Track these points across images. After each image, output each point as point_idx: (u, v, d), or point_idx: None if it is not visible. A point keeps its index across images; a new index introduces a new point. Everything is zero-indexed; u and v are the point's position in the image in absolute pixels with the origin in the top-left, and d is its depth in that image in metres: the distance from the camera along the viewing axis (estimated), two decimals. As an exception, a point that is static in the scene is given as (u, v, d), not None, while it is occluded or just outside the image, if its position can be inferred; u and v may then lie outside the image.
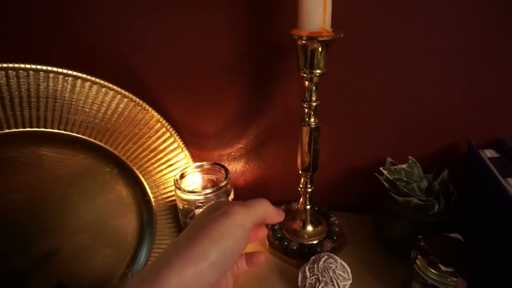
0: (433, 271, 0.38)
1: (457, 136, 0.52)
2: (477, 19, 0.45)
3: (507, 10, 0.44)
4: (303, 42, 0.39)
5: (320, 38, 0.38)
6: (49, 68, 0.43)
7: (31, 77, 0.42)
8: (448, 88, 0.50)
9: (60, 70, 0.44)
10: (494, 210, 0.45)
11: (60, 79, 0.45)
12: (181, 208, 0.50)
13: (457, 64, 0.48)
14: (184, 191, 0.49)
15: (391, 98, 0.52)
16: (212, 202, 0.38)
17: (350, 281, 0.45)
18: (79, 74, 0.46)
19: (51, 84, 0.44)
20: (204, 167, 0.54)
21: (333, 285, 0.43)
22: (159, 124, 0.53)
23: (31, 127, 0.44)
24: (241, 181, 0.64)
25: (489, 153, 0.48)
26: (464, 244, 0.41)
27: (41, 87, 0.43)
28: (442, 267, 0.37)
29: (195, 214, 0.50)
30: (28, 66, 0.42)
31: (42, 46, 0.54)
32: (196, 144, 0.61)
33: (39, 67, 0.42)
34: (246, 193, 0.64)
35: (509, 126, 0.50)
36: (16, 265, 0.44)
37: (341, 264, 0.45)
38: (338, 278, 0.44)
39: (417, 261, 0.40)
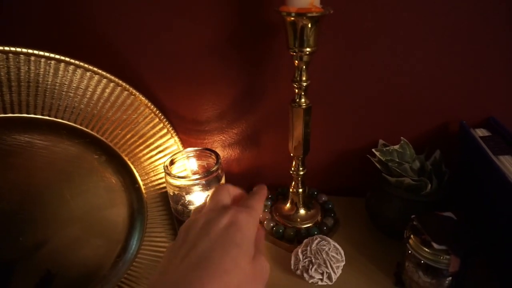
0: (426, 249, 0.38)
1: (448, 116, 0.52)
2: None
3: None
4: (292, 18, 0.38)
5: (309, 14, 0.37)
6: (30, 51, 0.41)
7: (11, 60, 0.41)
8: (439, 68, 0.49)
9: (41, 53, 0.42)
10: (487, 188, 0.45)
11: (42, 63, 0.43)
12: (172, 194, 0.50)
13: (449, 44, 0.47)
14: (174, 176, 0.48)
15: (383, 78, 0.51)
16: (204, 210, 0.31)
17: (343, 263, 0.44)
18: (62, 58, 0.44)
19: (32, 67, 0.42)
20: (195, 152, 0.53)
21: (326, 267, 0.43)
22: (147, 110, 0.52)
23: (13, 113, 0.42)
24: (233, 165, 0.63)
25: (480, 132, 0.48)
26: (457, 222, 0.41)
27: (22, 70, 0.42)
28: (435, 245, 0.37)
29: (186, 200, 0.49)
30: (7, 48, 0.40)
31: (20, 27, 0.52)
32: (186, 130, 0.60)
33: (18, 49, 0.41)
34: (238, 177, 0.63)
35: (500, 105, 0.50)
36: (2, 255, 0.42)
37: (334, 246, 0.45)
38: (331, 260, 0.43)
39: (410, 241, 0.40)
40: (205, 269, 0.24)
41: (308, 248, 0.45)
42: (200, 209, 0.32)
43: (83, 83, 0.46)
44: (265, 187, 0.35)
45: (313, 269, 0.43)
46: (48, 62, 0.43)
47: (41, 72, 0.43)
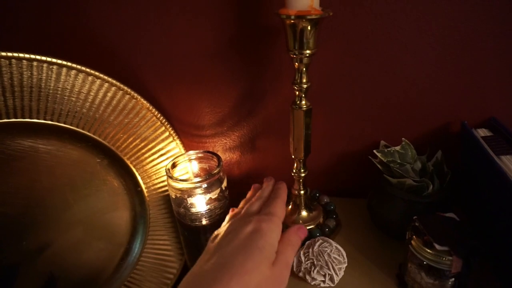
0: (428, 250, 0.38)
1: (450, 117, 0.52)
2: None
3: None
4: (292, 21, 0.38)
5: (308, 17, 0.37)
6: (32, 56, 0.42)
7: (14, 65, 0.41)
8: (440, 68, 0.49)
9: (43, 58, 0.43)
10: (489, 188, 0.44)
11: (44, 68, 0.43)
12: (174, 197, 0.50)
13: (449, 44, 0.47)
14: (176, 179, 0.48)
15: (383, 79, 0.51)
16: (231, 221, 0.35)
17: (346, 264, 0.44)
18: (64, 62, 0.44)
19: (35, 73, 0.43)
20: (196, 155, 0.53)
21: (329, 268, 0.43)
22: (149, 113, 0.52)
23: (16, 118, 0.43)
24: (235, 168, 0.63)
25: (482, 132, 0.48)
26: (459, 223, 0.40)
27: (25, 76, 0.42)
28: (437, 246, 0.37)
29: (188, 203, 0.49)
30: (9, 54, 0.40)
31: (20, 31, 0.53)
32: (187, 134, 0.60)
33: (21, 55, 0.41)
34: (239, 180, 0.63)
35: (501, 105, 0.50)
36: (5, 258, 0.43)
37: (336, 248, 0.45)
38: (334, 262, 0.43)
39: (412, 242, 0.40)
40: (227, 269, 0.27)
41: (310, 250, 0.45)
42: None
43: (85, 87, 0.47)
44: (285, 185, 0.37)
45: (315, 271, 0.43)
46: (50, 67, 0.44)
47: (44, 77, 0.44)
